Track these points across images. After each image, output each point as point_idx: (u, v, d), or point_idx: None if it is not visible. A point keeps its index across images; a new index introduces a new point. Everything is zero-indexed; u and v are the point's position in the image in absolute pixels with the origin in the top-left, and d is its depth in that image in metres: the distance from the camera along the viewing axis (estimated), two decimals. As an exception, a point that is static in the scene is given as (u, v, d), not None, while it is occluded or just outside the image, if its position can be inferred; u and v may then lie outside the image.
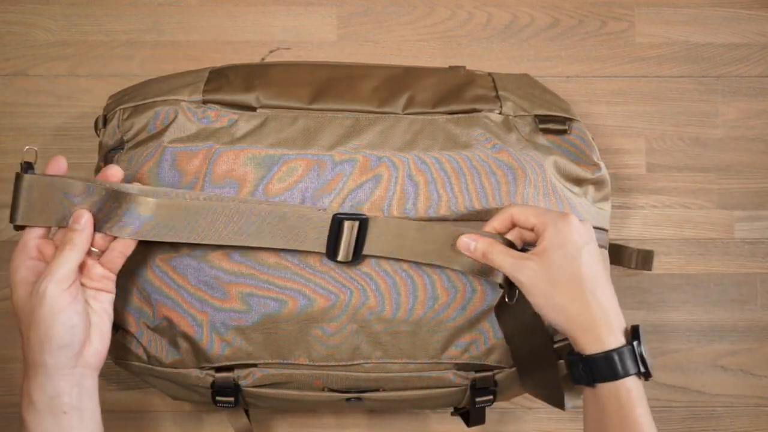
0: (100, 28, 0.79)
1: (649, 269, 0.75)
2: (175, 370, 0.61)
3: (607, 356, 0.51)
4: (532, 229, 0.55)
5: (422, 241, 0.57)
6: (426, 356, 0.61)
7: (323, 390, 0.62)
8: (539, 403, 0.77)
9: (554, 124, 0.63)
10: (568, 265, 0.52)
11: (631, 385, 0.51)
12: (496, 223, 0.57)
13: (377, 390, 0.62)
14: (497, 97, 0.63)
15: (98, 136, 0.62)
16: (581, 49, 0.80)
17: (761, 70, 0.80)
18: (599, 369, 0.52)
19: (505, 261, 0.54)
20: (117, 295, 0.59)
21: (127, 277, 0.60)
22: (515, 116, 0.63)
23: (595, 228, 0.63)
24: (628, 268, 0.75)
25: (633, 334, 0.53)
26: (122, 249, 0.55)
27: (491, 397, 0.63)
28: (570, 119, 0.64)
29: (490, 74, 0.66)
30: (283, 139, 0.60)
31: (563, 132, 0.63)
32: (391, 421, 0.76)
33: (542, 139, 0.62)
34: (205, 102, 0.61)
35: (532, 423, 0.77)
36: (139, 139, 0.60)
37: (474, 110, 0.62)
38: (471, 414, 0.67)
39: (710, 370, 0.78)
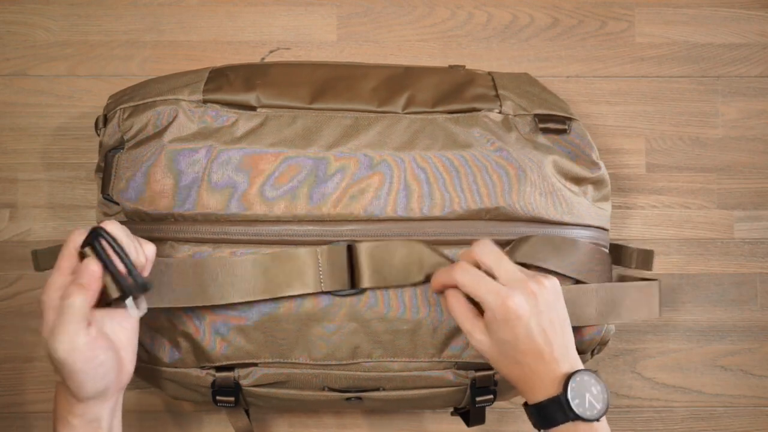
0: (100, 28, 0.79)
1: (649, 269, 0.75)
2: (175, 370, 0.61)
3: (540, 406, 0.54)
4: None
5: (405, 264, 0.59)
6: (426, 355, 0.61)
7: (323, 389, 0.62)
8: (539, 403, 0.77)
9: (554, 123, 0.63)
10: (507, 341, 0.54)
11: (583, 427, 0.53)
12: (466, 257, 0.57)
13: (377, 389, 0.62)
14: (497, 96, 0.63)
15: (98, 135, 0.62)
16: (581, 49, 0.80)
17: (761, 70, 0.80)
18: (541, 417, 0.54)
19: (462, 322, 0.56)
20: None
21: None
22: (515, 115, 0.63)
23: (595, 228, 0.63)
24: (628, 268, 0.75)
25: (564, 384, 0.54)
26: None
27: (491, 396, 0.63)
28: (570, 119, 0.64)
29: (489, 73, 0.66)
30: (282, 139, 0.60)
31: (563, 131, 0.63)
32: (391, 421, 0.76)
33: (542, 139, 0.62)
34: (205, 102, 0.61)
35: (532, 423, 0.77)
36: (140, 139, 0.60)
37: (474, 109, 0.62)
38: (471, 414, 0.67)
39: (710, 370, 0.78)
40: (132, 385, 0.75)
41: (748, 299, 0.78)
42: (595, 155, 0.64)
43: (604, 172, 0.64)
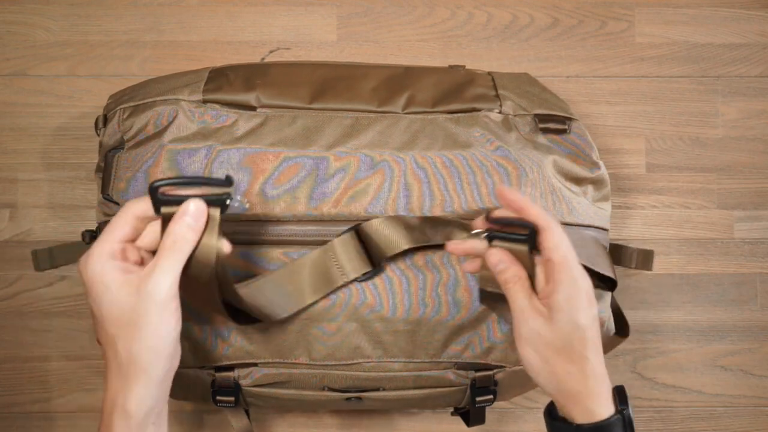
0: (100, 28, 0.79)
1: (649, 269, 0.75)
2: (175, 370, 0.61)
3: (598, 427, 0.48)
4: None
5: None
6: (426, 355, 0.61)
7: (323, 390, 0.62)
8: (539, 403, 0.77)
9: (554, 123, 0.63)
10: (575, 334, 0.48)
11: None
12: (529, 213, 0.51)
13: (377, 390, 0.62)
14: (497, 96, 0.63)
15: (98, 135, 0.62)
16: (581, 49, 0.80)
17: (761, 70, 0.80)
18: None
19: (517, 303, 0.49)
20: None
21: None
22: (515, 115, 0.63)
23: (596, 228, 0.63)
24: (628, 268, 0.75)
25: (620, 398, 0.50)
26: None
27: (491, 396, 0.63)
28: (570, 119, 0.64)
29: (489, 73, 0.66)
30: (282, 139, 0.60)
31: (563, 131, 0.63)
32: (391, 421, 0.76)
33: (542, 139, 0.62)
34: (205, 102, 0.61)
35: (532, 423, 0.77)
36: (140, 139, 0.60)
37: (474, 109, 0.62)
38: (471, 414, 0.67)
39: (710, 370, 0.78)
40: (132, 385, 0.75)
41: (748, 299, 0.78)
42: (595, 155, 0.64)
43: (604, 172, 0.64)
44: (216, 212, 0.48)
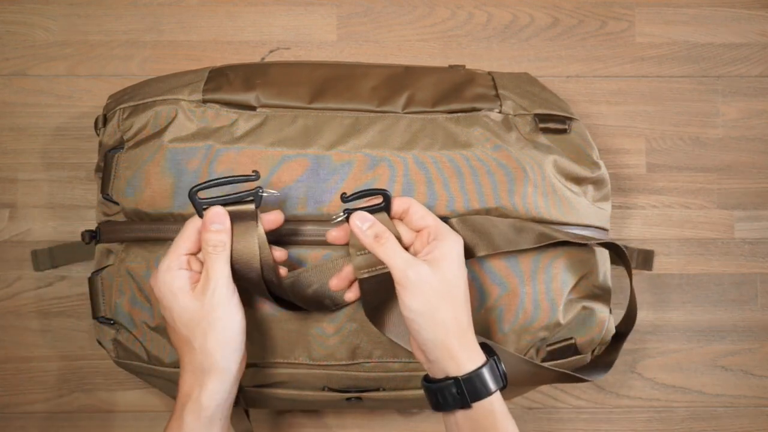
0: (100, 28, 0.78)
1: (650, 269, 0.76)
2: (175, 370, 0.61)
3: (479, 373, 0.51)
4: (417, 231, 0.55)
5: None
6: (426, 356, 0.61)
7: (323, 390, 0.62)
8: (539, 403, 0.77)
9: (554, 123, 0.63)
10: (457, 281, 0.52)
11: (498, 398, 0.52)
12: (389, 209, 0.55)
13: (377, 389, 0.62)
14: (497, 96, 0.63)
15: (98, 135, 0.62)
16: (581, 49, 0.80)
17: (761, 70, 0.80)
18: (475, 387, 0.51)
19: (398, 255, 0.52)
20: (118, 294, 0.59)
21: (127, 276, 0.60)
22: (515, 115, 0.63)
23: (596, 227, 0.63)
24: (628, 268, 0.75)
25: (487, 349, 0.54)
26: None
27: (491, 396, 0.63)
28: (570, 118, 0.64)
29: (489, 73, 0.66)
30: (282, 138, 0.60)
31: (563, 131, 0.63)
32: (391, 421, 0.76)
33: (542, 138, 0.62)
34: (204, 101, 0.61)
35: (532, 423, 0.77)
36: (139, 139, 0.60)
37: (474, 109, 0.62)
38: (471, 414, 0.67)
39: (710, 370, 0.78)
40: (132, 385, 0.75)
41: (748, 299, 0.78)
42: (595, 155, 0.64)
43: (604, 171, 0.64)
44: (251, 207, 0.53)
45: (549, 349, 0.62)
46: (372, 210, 0.54)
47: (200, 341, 0.51)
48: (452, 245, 0.53)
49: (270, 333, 0.59)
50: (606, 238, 0.65)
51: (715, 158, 0.79)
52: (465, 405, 0.52)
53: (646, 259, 0.75)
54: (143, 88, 0.62)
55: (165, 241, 0.59)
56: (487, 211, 0.60)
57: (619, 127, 0.79)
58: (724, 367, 0.78)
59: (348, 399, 0.63)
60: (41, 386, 0.75)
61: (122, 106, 0.61)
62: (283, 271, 0.55)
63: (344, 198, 0.53)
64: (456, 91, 0.63)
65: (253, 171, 0.53)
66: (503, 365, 0.53)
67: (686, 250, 0.78)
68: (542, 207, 0.60)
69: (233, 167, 0.59)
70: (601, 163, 0.64)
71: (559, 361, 0.62)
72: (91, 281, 0.61)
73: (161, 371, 0.61)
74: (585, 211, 0.63)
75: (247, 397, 0.63)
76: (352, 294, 0.57)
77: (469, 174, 0.60)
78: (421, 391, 0.62)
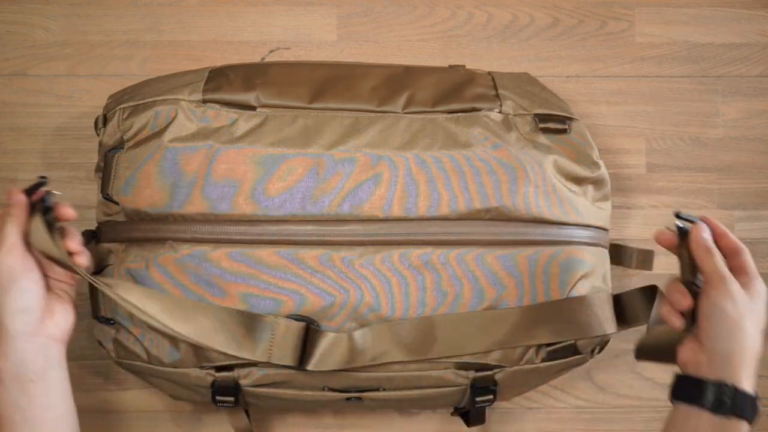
0: (100, 28, 0.78)
1: (650, 269, 0.75)
2: (175, 370, 0.61)
3: (753, 397, 0.53)
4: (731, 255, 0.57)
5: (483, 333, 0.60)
6: (426, 355, 0.60)
7: (323, 389, 0.62)
8: (539, 403, 0.77)
9: (554, 123, 0.63)
10: (763, 315, 0.54)
11: (747, 427, 0.53)
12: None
13: (377, 389, 0.62)
14: (497, 96, 0.63)
15: (98, 135, 0.62)
16: (581, 49, 0.80)
17: (761, 70, 0.80)
18: (745, 405, 0.53)
19: (724, 267, 0.54)
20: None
21: (127, 276, 0.60)
22: (515, 115, 0.63)
23: (596, 227, 0.63)
24: (628, 268, 0.75)
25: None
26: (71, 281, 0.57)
27: (491, 396, 0.63)
28: (570, 118, 0.64)
29: (489, 73, 0.66)
30: (282, 139, 0.60)
31: (563, 131, 0.63)
32: (391, 421, 0.76)
33: (542, 138, 0.62)
34: (204, 101, 0.61)
35: (532, 423, 0.77)
36: (139, 139, 0.60)
37: (474, 109, 0.62)
38: (471, 414, 0.67)
39: (710, 370, 0.78)
40: (132, 385, 0.75)
41: (749, 299, 0.78)
42: (595, 155, 0.64)
43: (604, 171, 0.64)
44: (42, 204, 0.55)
45: (549, 349, 0.62)
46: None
47: None
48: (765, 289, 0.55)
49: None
50: (606, 238, 0.65)
51: (715, 158, 0.79)
52: (725, 413, 0.53)
53: (646, 259, 0.74)
54: (143, 88, 0.62)
55: (165, 241, 0.59)
56: (488, 211, 0.60)
57: (619, 127, 0.79)
58: (724, 367, 0.78)
59: (348, 399, 0.63)
60: (41, 386, 0.75)
61: (122, 106, 0.61)
62: (80, 260, 0.55)
63: (678, 215, 0.57)
64: (456, 91, 0.63)
65: (40, 176, 0.55)
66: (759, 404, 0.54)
67: (686, 250, 0.78)
68: (543, 207, 0.60)
69: (233, 167, 0.59)
70: (601, 163, 0.64)
71: (559, 362, 0.62)
72: (91, 281, 0.62)
73: (161, 371, 0.61)
74: (585, 211, 0.63)
75: (247, 397, 0.63)
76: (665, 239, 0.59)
77: (471, 173, 0.60)
78: (422, 392, 0.62)
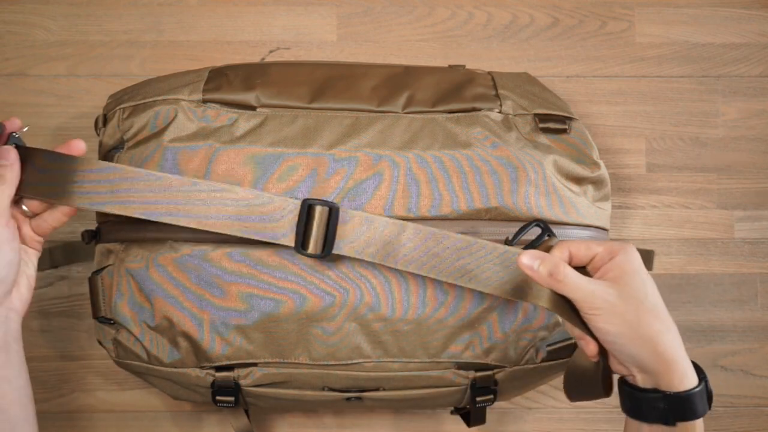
0: (100, 28, 0.79)
1: (650, 269, 0.75)
2: (175, 370, 0.61)
3: (692, 395, 0.49)
4: (586, 264, 0.52)
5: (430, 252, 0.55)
6: (426, 355, 0.61)
7: (323, 389, 0.62)
8: (539, 403, 0.77)
9: (554, 123, 0.63)
10: (646, 289, 0.49)
11: (701, 421, 0.50)
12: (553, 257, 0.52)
13: (377, 389, 0.62)
14: (497, 95, 0.63)
15: (98, 135, 0.62)
16: (581, 49, 0.80)
17: (761, 70, 0.80)
18: (683, 408, 0.49)
19: (581, 284, 0.49)
20: (118, 294, 0.59)
21: (127, 276, 0.60)
22: (515, 115, 0.63)
23: (596, 227, 0.63)
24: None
25: (698, 369, 0.51)
26: (53, 222, 0.56)
27: (491, 396, 0.63)
28: (570, 118, 0.64)
29: (489, 73, 0.66)
30: (282, 138, 0.60)
31: (563, 131, 0.63)
32: (391, 421, 0.76)
33: (542, 138, 0.62)
34: (204, 101, 0.61)
35: (532, 423, 0.77)
36: (139, 139, 0.60)
37: (474, 109, 0.62)
38: (471, 414, 0.67)
39: (710, 370, 0.78)
40: (132, 385, 0.75)
41: (748, 299, 0.78)
42: (595, 155, 0.64)
43: (604, 171, 0.64)
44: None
45: (549, 349, 0.62)
46: (536, 244, 0.53)
47: None
48: (628, 257, 0.49)
49: (270, 332, 0.59)
50: (606, 238, 0.65)
51: (715, 158, 0.79)
52: (668, 422, 0.49)
53: (646, 259, 0.74)
54: (143, 88, 0.62)
55: (165, 240, 0.59)
56: (489, 211, 0.60)
57: (619, 127, 0.79)
58: (724, 367, 0.78)
59: (348, 399, 0.63)
60: (41, 386, 0.75)
61: (122, 106, 0.61)
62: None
63: (508, 242, 0.53)
64: (456, 91, 0.63)
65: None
66: (710, 386, 0.50)
67: (686, 250, 0.78)
68: (543, 206, 0.60)
69: (233, 167, 0.59)
70: (601, 163, 0.64)
71: (559, 361, 0.62)
72: (92, 281, 0.61)
73: (161, 371, 0.61)
74: (585, 211, 0.63)
75: (247, 397, 0.63)
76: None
77: (472, 173, 0.60)
78: (422, 392, 0.62)
